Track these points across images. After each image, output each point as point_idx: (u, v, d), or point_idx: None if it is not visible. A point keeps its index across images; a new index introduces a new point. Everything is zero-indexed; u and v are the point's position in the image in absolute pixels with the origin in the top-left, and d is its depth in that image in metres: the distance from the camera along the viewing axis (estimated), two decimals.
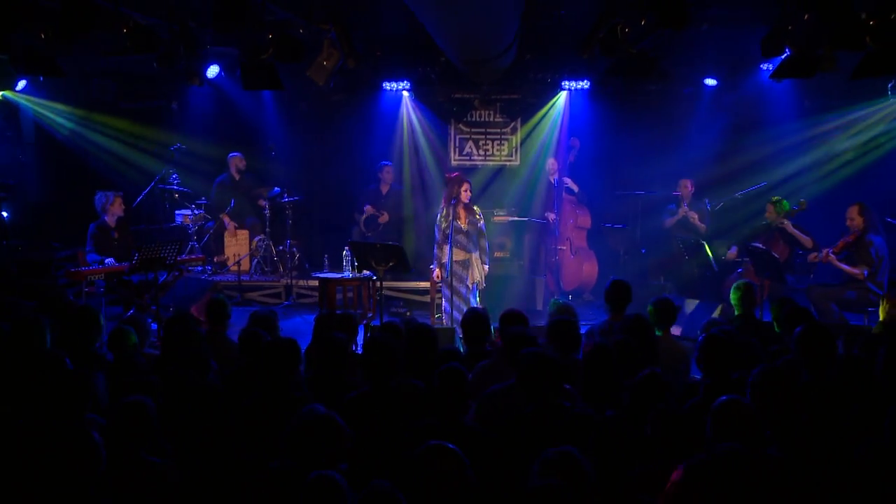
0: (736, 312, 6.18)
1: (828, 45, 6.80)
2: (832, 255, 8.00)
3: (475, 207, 8.22)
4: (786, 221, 8.50)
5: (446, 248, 8.00)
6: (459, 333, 7.18)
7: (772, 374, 3.82)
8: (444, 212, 8.07)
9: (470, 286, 8.13)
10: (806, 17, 6.57)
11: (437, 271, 8.20)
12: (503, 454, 3.78)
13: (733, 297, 6.18)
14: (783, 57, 7.08)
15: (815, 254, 8.27)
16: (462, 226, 7.98)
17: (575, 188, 10.23)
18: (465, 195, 7.95)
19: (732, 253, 8.99)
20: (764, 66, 9.74)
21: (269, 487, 3.37)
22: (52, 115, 10.57)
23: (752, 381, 3.84)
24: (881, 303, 6.10)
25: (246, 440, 3.96)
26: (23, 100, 10.17)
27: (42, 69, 7.29)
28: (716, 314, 7.98)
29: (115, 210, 8.68)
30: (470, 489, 3.15)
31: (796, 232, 8.46)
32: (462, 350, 5.74)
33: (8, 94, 9.96)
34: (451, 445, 3.16)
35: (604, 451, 3.45)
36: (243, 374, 4.89)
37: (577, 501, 2.92)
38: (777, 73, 7.32)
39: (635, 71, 7.64)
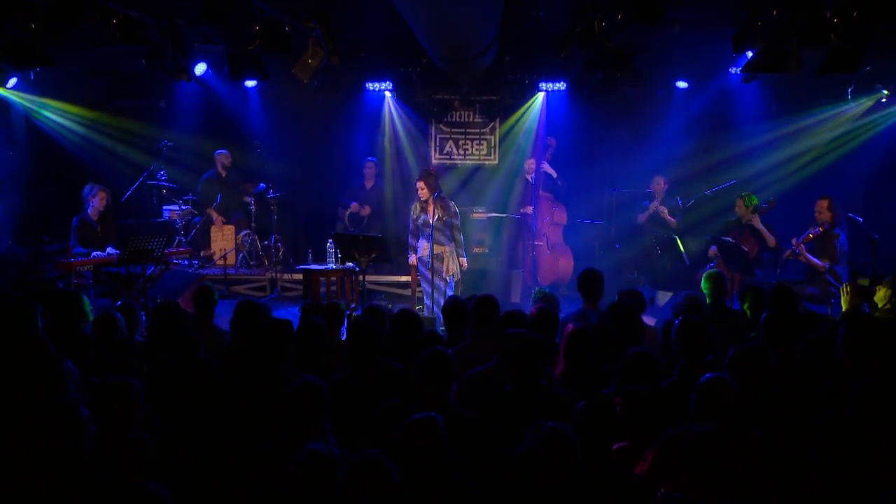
0: (707, 301, 6.30)
1: (795, 41, 7.09)
2: (802, 245, 8.32)
3: (449, 203, 8.36)
4: (755, 217, 8.75)
5: (422, 243, 8.25)
6: (440, 320, 7.48)
7: (747, 353, 4.02)
8: (415, 205, 8.34)
9: (447, 279, 8.31)
10: (775, 12, 6.87)
11: (412, 257, 8.46)
12: (487, 433, 3.87)
13: (704, 286, 6.35)
14: (751, 56, 7.42)
15: (789, 251, 8.52)
16: (432, 221, 8.15)
17: (553, 173, 10.47)
18: (419, 193, 8.20)
19: (714, 251, 8.97)
20: (733, 70, 10.10)
21: (263, 463, 3.49)
22: (42, 112, 10.68)
23: (728, 361, 4.01)
24: (842, 293, 6.33)
25: (241, 418, 4.03)
26: (14, 96, 10.27)
27: (32, 60, 7.29)
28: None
29: (95, 204, 8.83)
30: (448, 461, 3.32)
31: (763, 229, 8.68)
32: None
33: None
34: (437, 417, 3.31)
35: (587, 428, 3.54)
36: (233, 356, 4.97)
37: (566, 472, 3.15)
38: (747, 68, 7.62)
39: (611, 65, 7.83)
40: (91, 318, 5.50)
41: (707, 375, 3.72)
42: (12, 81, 9.94)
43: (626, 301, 5.63)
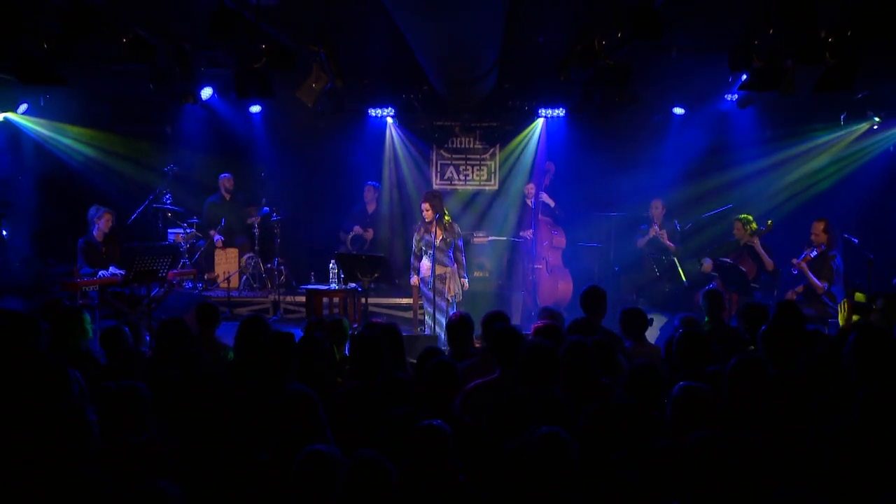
0: (706, 318, 6.36)
1: (790, 61, 7.27)
2: (804, 265, 8.41)
3: (453, 225, 8.50)
4: (755, 240, 8.87)
5: (425, 264, 8.35)
6: (442, 340, 7.56)
7: (747, 363, 4.06)
8: (419, 226, 8.46)
9: (449, 299, 8.41)
10: (771, 31, 6.96)
11: (414, 278, 8.57)
12: (492, 442, 3.90)
13: (703, 304, 6.41)
14: (746, 77, 7.55)
15: (798, 260, 8.60)
16: (435, 241, 8.26)
17: (551, 203, 10.60)
18: (424, 214, 8.29)
19: (708, 265, 9.22)
20: (728, 97, 10.36)
21: (261, 470, 3.56)
22: (51, 136, 10.85)
23: (729, 370, 4.05)
24: (840, 310, 6.41)
25: (243, 427, 4.04)
26: (24, 121, 10.46)
27: (45, 79, 7.36)
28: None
29: (101, 226, 8.92)
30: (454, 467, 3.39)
31: (763, 252, 8.82)
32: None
33: (10, 115, 10.24)
34: (444, 426, 3.37)
35: (590, 436, 3.58)
36: (236, 368, 5.05)
37: (561, 475, 3.18)
38: (744, 87, 7.74)
39: (610, 82, 7.97)
40: (91, 335, 5.57)
41: (681, 384, 3.75)
42: (23, 107, 10.18)
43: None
